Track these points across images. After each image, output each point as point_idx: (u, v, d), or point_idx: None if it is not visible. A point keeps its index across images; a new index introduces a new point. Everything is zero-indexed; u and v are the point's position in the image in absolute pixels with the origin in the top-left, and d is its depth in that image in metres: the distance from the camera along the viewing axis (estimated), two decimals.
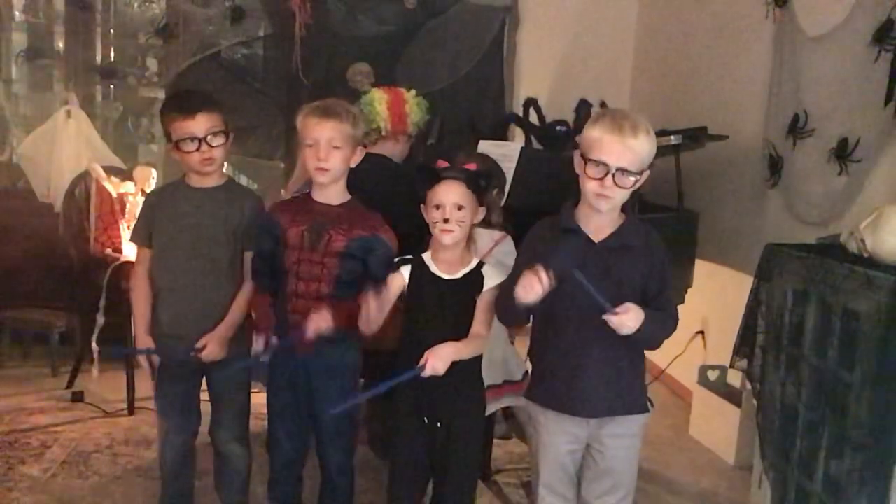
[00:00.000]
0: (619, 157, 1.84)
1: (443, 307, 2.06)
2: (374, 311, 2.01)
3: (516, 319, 2.05)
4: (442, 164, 2.08)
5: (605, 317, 1.82)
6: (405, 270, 2.09)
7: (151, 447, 3.00)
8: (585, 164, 1.88)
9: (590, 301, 1.81)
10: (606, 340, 1.91)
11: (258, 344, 2.22)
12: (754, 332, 2.56)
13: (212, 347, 2.25)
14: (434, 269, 2.08)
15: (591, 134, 1.89)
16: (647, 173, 1.90)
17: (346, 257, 2.17)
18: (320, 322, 2.06)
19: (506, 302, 1.95)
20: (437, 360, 1.93)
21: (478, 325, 2.06)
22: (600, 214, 1.92)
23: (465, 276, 2.06)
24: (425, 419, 2.09)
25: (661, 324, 1.94)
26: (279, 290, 2.22)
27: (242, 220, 2.30)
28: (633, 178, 1.86)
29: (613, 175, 1.84)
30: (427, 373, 1.92)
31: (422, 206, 2.07)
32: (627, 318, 1.82)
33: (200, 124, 2.22)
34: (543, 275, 1.79)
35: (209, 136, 2.22)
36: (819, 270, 2.25)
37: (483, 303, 2.06)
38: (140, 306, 2.35)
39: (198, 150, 2.23)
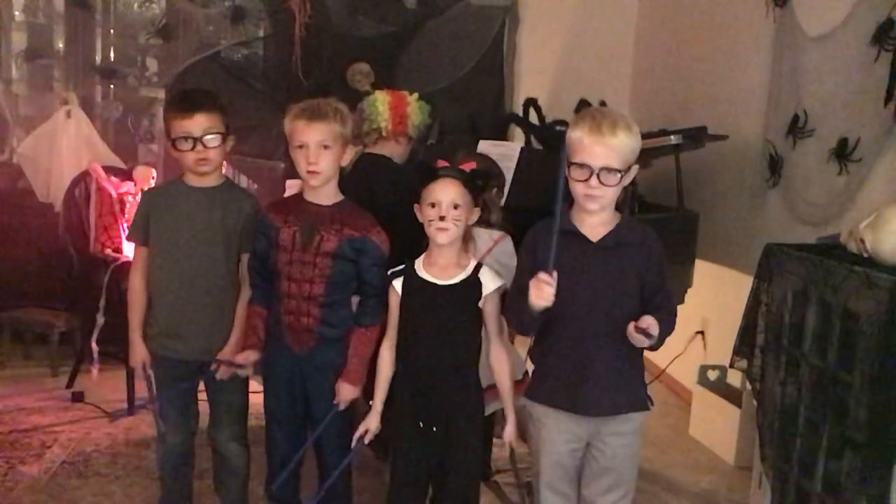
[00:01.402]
0: (600, 157, 1.85)
1: (437, 314, 2.06)
2: None
3: (533, 328, 2.03)
4: (442, 163, 2.08)
5: (638, 334, 1.84)
6: (397, 283, 2.10)
7: (151, 447, 3.00)
8: (570, 166, 1.89)
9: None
10: (610, 339, 1.92)
11: (248, 360, 2.23)
12: (754, 333, 2.55)
13: (224, 368, 2.26)
14: (426, 275, 2.07)
15: (572, 136, 1.90)
16: (635, 168, 1.91)
17: (338, 258, 2.16)
18: (348, 395, 2.18)
19: (519, 314, 1.96)
20: (512, 434, 2.10)
21: (495, 348, 2.11)
22: (594, 214, 1.93)
23: (462, 281, 2.06)
24: (420, 423, 2.09)
25: (667, 326, 1.94)
26: (272, 292, 2.22)
27: (239, 221, 2.30)
28: (618, 176, 1.87)
29: (598, 175, 1.85)
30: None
31: (416, 205, 2.07)
32: (651, 323, 1.84)
33: (197, 124, 2.22)
34: (546, 275, 1.81)
35: (205, 137, 2.22)
36: (819, 270, 2.25)
37: (489, 317, 2.07)
38: (135, 307, 2.36)
39: (192, 149, 2.23)
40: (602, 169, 1.85)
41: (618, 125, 1.86)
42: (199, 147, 2.22)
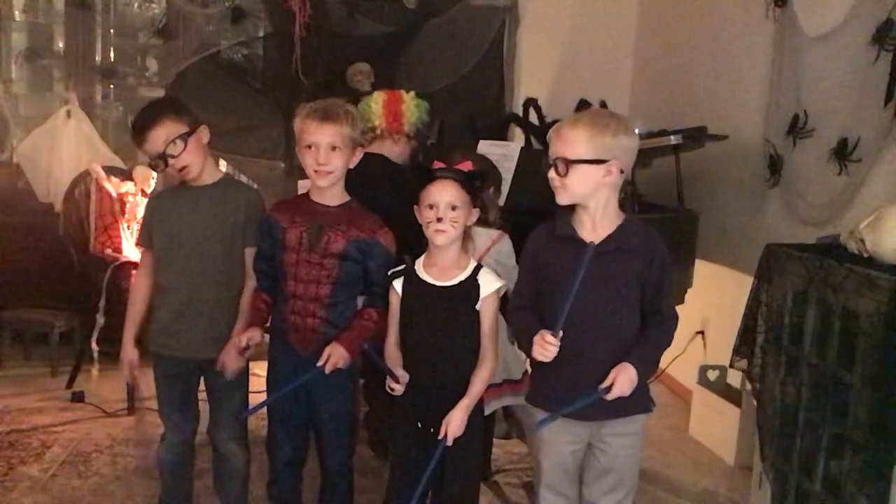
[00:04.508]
0: (554, 148, 1.92)
1: (435, 316, 2.05)
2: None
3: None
4: (438, 164, 2.08)
5: (604, 397, 1.87)
6: (397, 284, 2.10)
7: (152, 447, 3.00)
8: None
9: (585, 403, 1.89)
10: (608, 343, 1.92)
11: (240, 339, 2.13)
12: (754, 333, 2.55)
13: (230, 363, 2.23)
14: (426, 276, 2.07)
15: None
16: (607, 165, 1.88)
17: (345, 259, 2.16)
18: (338, 359, 2.08)
19: (520, 340, 2.04)
20: (455, 428, 1.99)
21: (485, 351, 2.07)
22: (593, 217, 1.93)
23: (461, 283, 2.05)
24: (419, 424, 2.09)
25: (655, 348, 1.98)
26: (278, 292, 2.22)
27: (239, 216, 2.30)
28: (580, 168, 1.87)
29: (556, 166, 1.89)
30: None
31: (415, 206, 2.07)
32: (624, 385, 1.86)
33: (154, 142, 2.21)
34: (550, 337, 1.85)
35: (167, 149, 2.21)
36: (819, 270, 2.25)
37: (485, 319, 2.06)
38: (133, 308, 2.39)
39: (167, 165, 2.23)
40: (556, 159, 1.90)
41: (581, 120, 1.91)
42: (170, 160, 2.22)
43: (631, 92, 4.66)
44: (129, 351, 2.37)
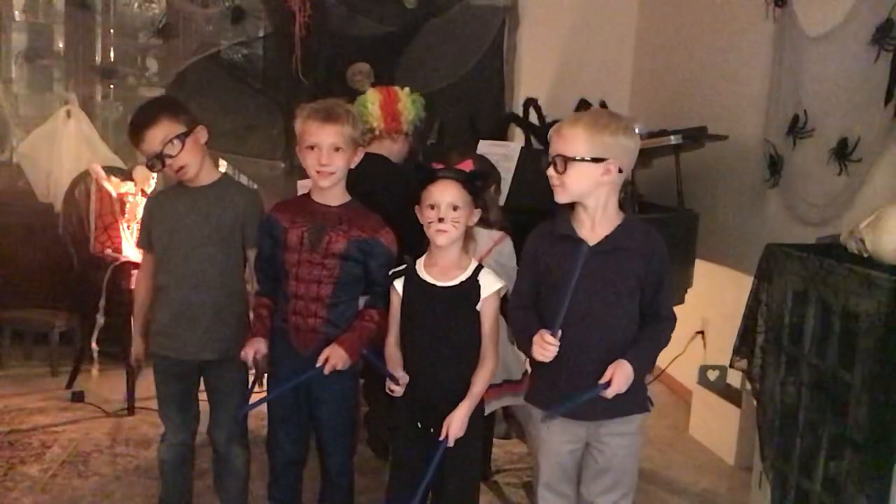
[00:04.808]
0: (554, 146, 1.93)
1: (436, 316, 2.05)
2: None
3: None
4: (439, 165, 2.08)
5: (602, 393, 1.88)
6: (398, 284, 2.10)
7: (151, 447, 3.00)
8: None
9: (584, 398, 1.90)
10: (608, 343, 1.92)
11: (247, 355, 2.16)
12: (754, 333, 2.55)
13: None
14: (426, 276, 2.07)
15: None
16: (606, 163, 1.89)
17: (347, 259, 2.16)
18: (337, 361, 2.09)
19: (519, 339, 2.05)
20: (456, 429, 1.99)
21: (486, 351, 2.07)
22: (593, 217, 1.93)
23: (462, 283, 2.05)
24: (419, 424, 2.09)
25: (652, 347, 1.99)
26: (279, 292, 2.22)
27: (238, 217, 2.30)
28: (578, 166, 1.87)
29: (555, 164, 1.90)
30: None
31: (416, 206, 2.07)
32: (620, 382, 1.87)
33: (152, 141, 2.21)
34: (549, 337, 1.87)
35: (165, 149, 2.20)
36: (819, 270, 2.25)
37: (486, 320, 2.06)
38: (137, 309, 2.43)
39: (164, 165, 2.23)
40: (556, 156, 1.90)
41: (581, 119, 1.93)
42: (168, 160, 2.22)
43: (631, 92, 4.66)
44: (136, 347, 2.45)
